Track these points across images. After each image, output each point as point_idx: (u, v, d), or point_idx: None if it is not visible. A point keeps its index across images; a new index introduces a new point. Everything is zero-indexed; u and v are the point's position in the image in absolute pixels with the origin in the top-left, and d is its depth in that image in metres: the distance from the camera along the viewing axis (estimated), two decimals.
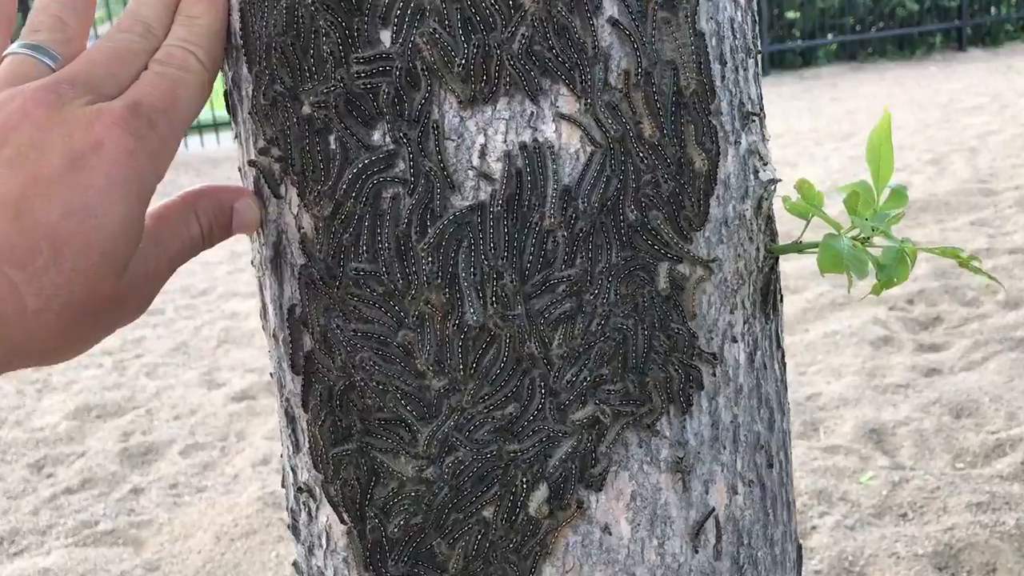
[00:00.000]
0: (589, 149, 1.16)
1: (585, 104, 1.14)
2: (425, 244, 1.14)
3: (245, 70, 1.25)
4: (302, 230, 1.23)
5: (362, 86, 1.13)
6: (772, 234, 1.38)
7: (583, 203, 1.15)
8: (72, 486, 4.67)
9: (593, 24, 1.13)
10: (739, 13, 1.27)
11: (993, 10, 19.63)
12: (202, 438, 5.07)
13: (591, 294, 1.17)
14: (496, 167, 1.14)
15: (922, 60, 17.09)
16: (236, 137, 1.33)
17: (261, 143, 1.23)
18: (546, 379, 1.17)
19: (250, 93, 1.25)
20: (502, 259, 1.14)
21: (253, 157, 1.25)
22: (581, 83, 1.13)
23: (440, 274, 1.15)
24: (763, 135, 1.34)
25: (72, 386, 6.04)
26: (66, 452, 5.04)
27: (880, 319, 5.87)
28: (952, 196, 7.66)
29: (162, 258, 1.16)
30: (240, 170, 1.34)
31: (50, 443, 5.18)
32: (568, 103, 1.14)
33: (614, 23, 1.14)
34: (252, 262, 1.38)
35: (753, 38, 1.32)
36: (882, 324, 5.98)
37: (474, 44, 1.10)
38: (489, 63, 1.12)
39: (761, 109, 1.34)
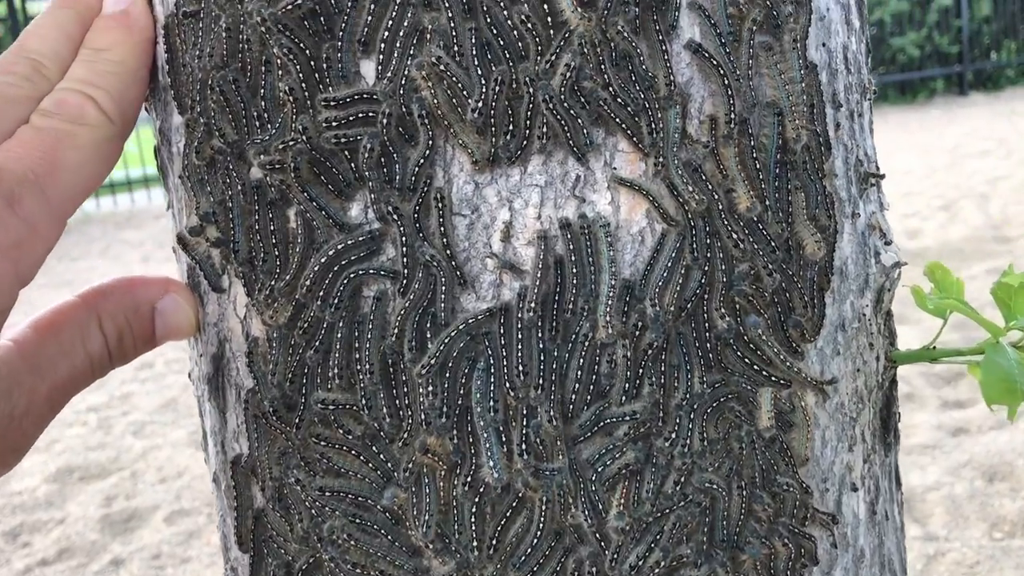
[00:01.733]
0: (660, 228, 0.80)
1: (655, 164, 0.79)
2: (424, 366, 0.78)
3: (175, 118, 0.90)
4: (251, 339, 0.87)
5: (334, 140, 0.77)
6: (891, 335, 1.02)
7: (652, 306, 0.79)
8: (48, 557, 4.26)
9: (666, 51, 0.78)
10: (853, 39, 0.93)
11: (994, 55, 19.55)
12: (188, 503, 4.69)
13: (665, 438, 0.81)
14: (527, 254, 0.79)
15: (924, 104, 17.03)
16: (169, 207, 0.98)
17: (194, 218, 0.87)
18: (599, 563, 0.80)
19: (181, 150, 0.89)
20: (535, 388, 0.78)
21: (184, 236, 0.89)
22: (649, 134, 0.78)
23: (444, 410, 0.79)
24: (881, 202, 0.99)
25: (54, 446, 5.66)
26: (44, 519, 4.64)
27: (900, 374, 5.50)
28: (966, 243, 7.37)
29: (40, 389, 0.80)
30: (174, 251, 0.98)
31: (28, 508, 4.78)
32: (630, 163, 0.79)
33: (695, 50, 0.79)
34: (189, 375, 1.02)
35: (869, 73, 0.97)
36: (903, 379, 5.62)
37: (496, 79, 0.75)
38: (517, 106, 0.77)
39: (878, 167, 0.99)
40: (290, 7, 0.78)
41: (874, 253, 0.96)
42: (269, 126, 0.82)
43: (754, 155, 0.82)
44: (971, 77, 18.76)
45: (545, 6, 0.76)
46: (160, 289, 0.92)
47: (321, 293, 0.81)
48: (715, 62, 0.80)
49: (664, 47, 0.79)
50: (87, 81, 0.85)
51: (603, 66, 0.77)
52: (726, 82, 0.80)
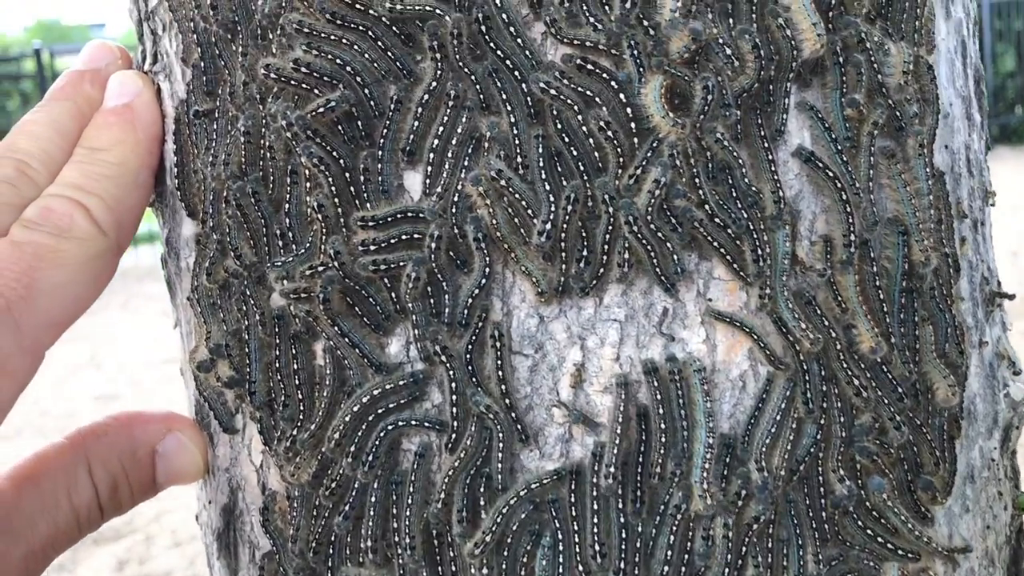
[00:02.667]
0: (765, 372, 0.66)
1: (760, 295, 0.65)
2: (477, 542, 0.64)
3: (186, 228, 0.77)
4: (268, 493, 0.73)
5: (372, 266, 0.64)
6: (1015, 475, 0.86)
7: (758, 469, 0.65)
8: None
9: (772, 160, 0.64)
10: (975, 136, 0.79)
11: (1018, 109, 19.43)
12: (202, 568, 4.48)
13: None
14: (603, 403, 0.65)
15: None
16: (176, 326, 0.85)
17: (203, 350, 0.74)
18: None
19: (190, 266, 0.76)
20: (614, 573, 0.64)
21: (192, 368, 0.76)
22: (754, 260, 0.64)
23: None
24: (1004, 323, 0.84)
25: None
26: None
27: None
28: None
29: (12, 555, 0.66)
30: (181, 373, 0.85)
31: None
32: (728, 293, 0.65)
33: (807, 158, 0.65)
34: (196, 518, 0.87)
35: (988, 172, 0.84)
36: None
37: (567, 196, 0.62)
38: (593, 228, 0.63)
39: (999, 282, 0.85)
40: (322, 109, 0.65)
41: (1002, 385, 0.81)
42: (294, 247, 0.69)
43: (876, 283, 0.68)
44: (996, 131, 18.61)
45: (628, 110, 0.63)
46: (162, 427, 0.78)
47: (352, 448, 0.67)
48: (830, 173, 0.66)
49: (770, 156, 0.65)
50: (79, 186, 0.72)
51: (698, 180, 0.64)
52: (843, 196, 0.66)
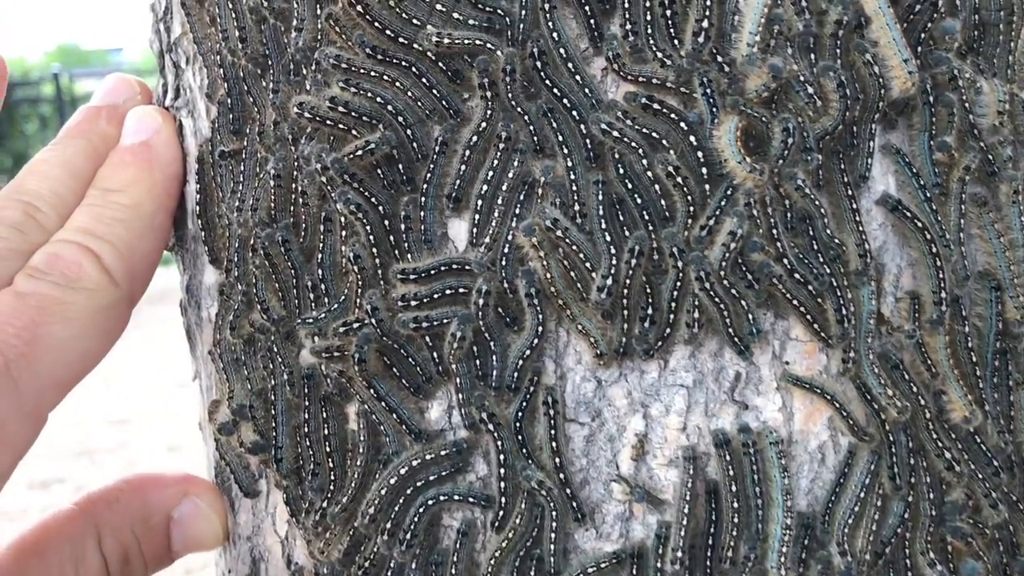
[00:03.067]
0: (846, 443, 0.59)
1: (843, 359, 0.58)
2: None
3: (208, 276, 0.72)
4: (295, 568, 0.67)
5: (412, 324, 0.58)
6: None
7: (840, 551, 0.58)
8: None
9: (856, 209, 0.58)
10: None
11: None
12: None
13: None
14: (667, 478, 0.59)
15: None
16: (195, 378, 0.79)
17: (225, 410, 0.68)
18: None
19: (212, 317, 0.71)
20: None
21: (213, 430, 0.70)
22: (838, 321, 0.58)
23: None
24: None
25: None
26: None
27: None
28: None
29: None
30: (200, 428, 0.79)
31: None
32: (806, 356, 0.59)
33: (893, 207, 0.59)
34: None
35: None
36: None
37: (630, 249, 0.56)
38: (658, 284, 0.57)
39: None
40: (360, 152, 0.59)
41: None
42: (327, 301, 0.63)
43: (968, 344, 0.61)
44: None
45: (700, 154, 0.57)
46: (178, 491, 0.72)
47: (388, 523, 0.61)
48: (919, 223, 0.60)
49: (854, 204, 0.59)
50: (89, 230, 0.67)
51: (776, 231, 0.58)
52: (933, 249, 0.60)
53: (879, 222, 0.61)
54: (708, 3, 0.56)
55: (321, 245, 0.62)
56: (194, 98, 0.71)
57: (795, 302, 0.58)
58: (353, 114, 0.60)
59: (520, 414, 0.59)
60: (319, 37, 0.61)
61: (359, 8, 0.58)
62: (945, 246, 0.61)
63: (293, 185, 0.63)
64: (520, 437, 0.59)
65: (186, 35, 0.69)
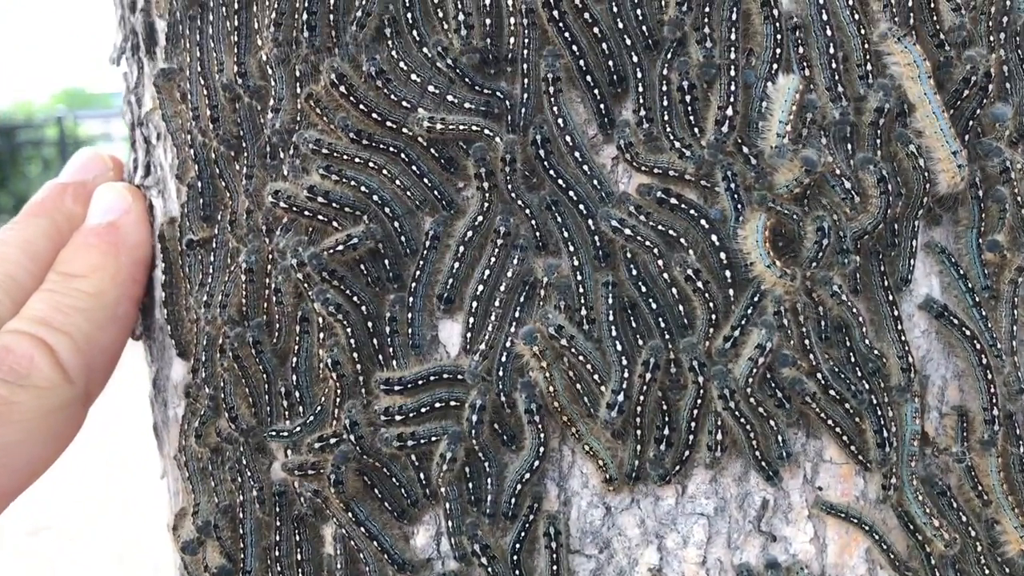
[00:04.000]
0: None
1: (883, 485, 0.52)
2: None
3: (175, 370, 0.65)
4: None
5: (397, 441, 0.51)
6: None
7: None
8: None
9: (898, 316, 0.52)
10: None
11: None
12: None
13: None
14: None
15: None
16: (163, 476, 0.71)
17: (189, 527, 0.61)
18: None
19: (179, 416, 0.64)
20: None
21: (176, 548, 0.63)
22: (878, 443, 0.51)
23: None
24: None
25: None
26: None
27: None
28: None
29: None
30: (168, 530, 0.71)
31: None
32: (842, 479, 0.52)
33: (939, 313, 0.53)
34: None
35: None
36: None
37: (644, 361, 0.49)
38: (676, 400, 0.51)
39: None
40: (341, 247, 0.53)
41: None
42: (302, 411, 0.56)
43: (1023, 467, 0.55)
44: None
45: (723, 255, 0.51)
46: None
47: None
48: (967, 331, 0.53)
49: (895, 311, 0.53)
50: (45, 320, 0.60)
51: (808, 342, 0.51)
52: (983, 360, 0.53)
53: (922, 329, 0.54)
54: (732, 88, 0.50)
55: (296, 348, 0.56)
56: (165, 177, 0.65)
57: (830, 422, 0.52)
58: (334, 205, 0.53)
59: (518, 545, 0.52)
60: (298, 119, 0.55)
61: (342, 88, 0.52)
62: (996, 356, 0.54)
63: (267, 280, 0.57)
64: (518, 572, 0.52)
65: (156, 110, 0.63)
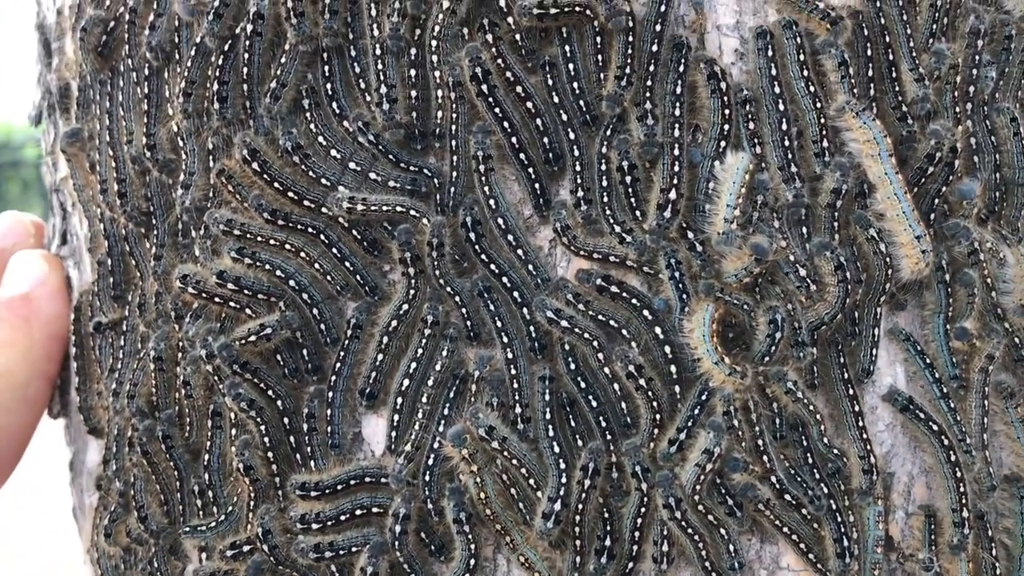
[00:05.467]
0: None
1: None
2: None
3: (91, 456, 0.60)
4: None
5: (313, 552, 0.47)
6: None
7: None
8: None
9: (858, 410, 0.48)
10: None
11: None
12: None
13: None
14: None
15: None
16: (85, 563, 0.66)
17: None
18: None
19: (93, 504, 0.59)
20: None
21: None
22: (838, 552, 0.47)
23: None
24: None
25: None
26: None
27: None
28: None
29: None
30: None
31: None
32: None
33: (903, 406, 0.49)
34: None
35: None
36: None
37: (584, 465, 0.46)
38: (618, 508, 0.47)
39: None
40: (253, 337, 0.49)
41: None
42: (215, 511, 0.51)
43: (996, 572, 0.50)
44: None
45: (667, 348, 0.46)
46: None
47: None
48: (934, 425, 0.49)
49: (856, 405, 0.49)
50: None
51: (762, 442, 0.47)
52: (951, 456, 0.49)
53: (886, 422, 0.50)
54: (676, 169, 0.46)
55: (209, 444, 0.51)
56: (80, 248, 0.60)
57: (786, 529, 0.47)
58: (246, 292, 0.49)
59: None
60: (210, 195, 0.51)
61: (255, 165, 0.48)
62: (966, 451, 0.50)
63: (177, 369, 0.52)
64: None
65: (68, 179, 0.59)
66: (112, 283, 0.55)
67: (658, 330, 0.46)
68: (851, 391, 0.49)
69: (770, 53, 0.47)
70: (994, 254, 0.52)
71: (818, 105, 0.48)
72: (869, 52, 0.49)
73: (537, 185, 0.48)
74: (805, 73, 0.48)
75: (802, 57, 0.47)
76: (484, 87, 0.46)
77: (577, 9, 0.46)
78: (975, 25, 0.51)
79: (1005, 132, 0.52)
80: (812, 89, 0.48)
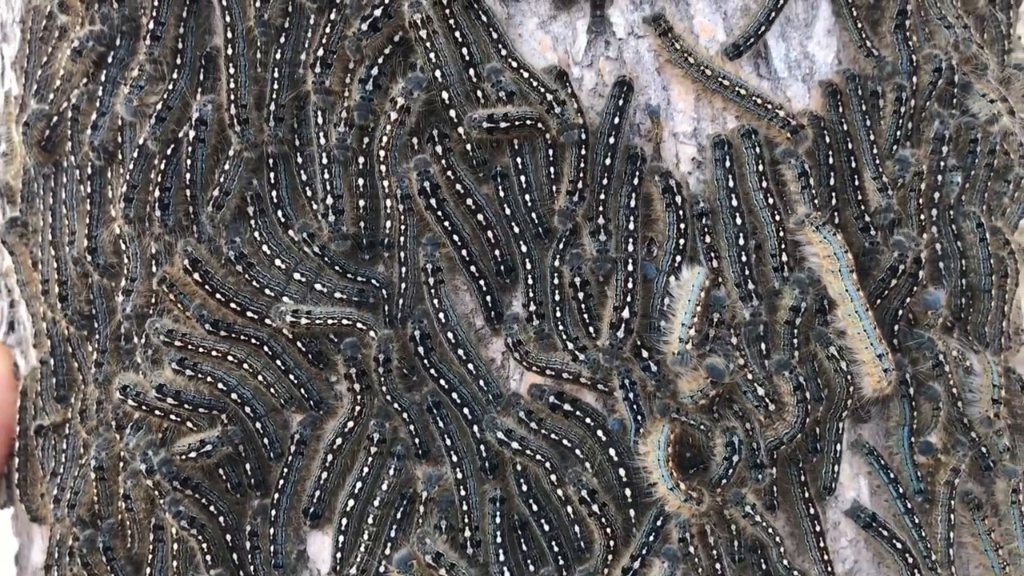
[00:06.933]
0: None
1: None
2: None
3: (36, 553, 0.58)
4: None
5: None
6: None
7: None
8: None
9: (819, 530, 0.47)
10: None
11: None
12: None
13: None
14: None
15: None
16: None
17: None
18: None
19: None
20: None
21: None
22: None
23: None
24: None
25: None
26: None
27: None
28: None
29: None
30: None
31: None
32: None
33: (866, 523, 0.48)
34: None
35: None
36: None
37: None
38: None
39: None
40: (194, 454, 0.47)
41: None
42: None
43: None
44: None
45: (622, 471, 0.45)
46: None
47: None
48: (897, 544, 0.48)
49: (816, 525, 0.47)
50: None
51: (720, 566, 0.45)
52: (916, 574, 0.48)
53: (849, 538, 0.49)
54: (630, 285, 0.45)
55: (151, 556, 0.49)
56: (27, 337, 0.58)
57: None
58: (186, 406, 0.47)
59: None
60: (152, 302, 0.49)
61: (197, 276, 0.47)
62: (931, 568, 0.49)
63: (119, 478, 0.50)
64: None
65: (11, 273, 0.57)
66: (55, 383, 0.53)
67: (612, 452, 0.45)
68: (812, 510, 0.47)
69: (728, 164, 0.46)
70: (960, 363, 0.50)
71: (777, 218, 0.46)
72: (831, 159, 0.48)
73: (489, 297, 0.46)
74: (764, 184, 0.46)
75: (761, 167, 0.46)
76: (433, 201, 0.45)
77: (528, 122, 0.45)
78: (940, 131, 0.49)
79: (971, 237, 0.51)
80: (771, 201, 0.46)
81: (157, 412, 0.48)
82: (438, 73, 0.45)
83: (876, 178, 0.48)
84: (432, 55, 0.45)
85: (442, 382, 0.46)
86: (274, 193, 0.47)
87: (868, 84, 0.49)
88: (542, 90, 0.45)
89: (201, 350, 0.48)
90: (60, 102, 0.52)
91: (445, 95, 0.45)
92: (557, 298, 0.45)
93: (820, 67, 0.49)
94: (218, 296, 0.47)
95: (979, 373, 0.51)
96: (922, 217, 0.49)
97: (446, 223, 0.45)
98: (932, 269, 0.50)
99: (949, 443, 0.50)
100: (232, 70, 0.47)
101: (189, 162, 0.47)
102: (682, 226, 0.45)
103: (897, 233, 0.48)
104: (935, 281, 0.50)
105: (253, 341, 0.47)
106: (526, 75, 0.45)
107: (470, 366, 0.46)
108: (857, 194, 0.48)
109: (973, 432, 0.50)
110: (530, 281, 0.46)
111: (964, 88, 0.51)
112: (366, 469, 0.47)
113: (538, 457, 0.45)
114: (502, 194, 0.46)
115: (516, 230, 0.46)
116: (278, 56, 0.46)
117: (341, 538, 0.47)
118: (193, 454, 0.47)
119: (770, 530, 0.46)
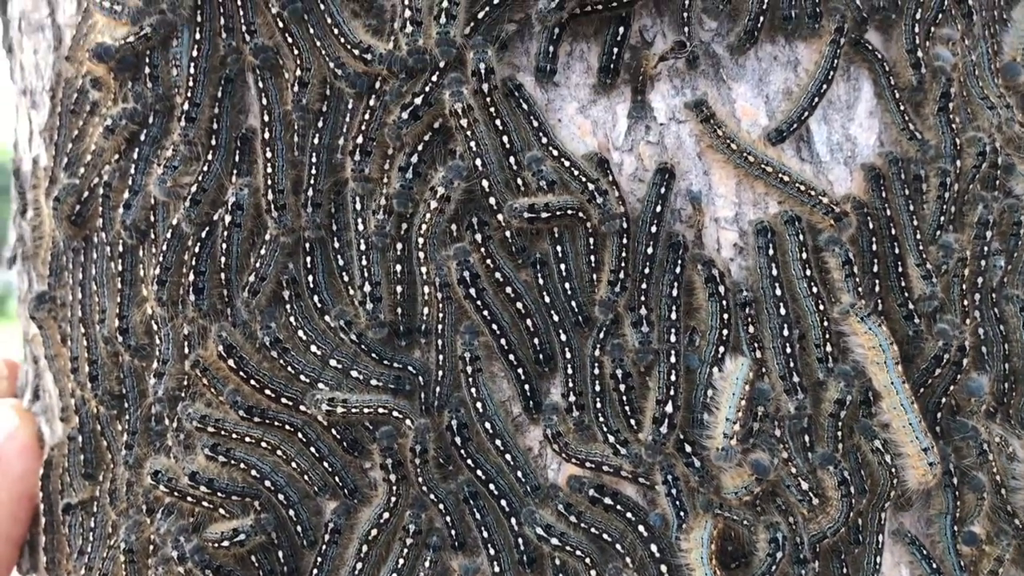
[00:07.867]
0: None
1: None
2: None
3: None
4: None
5: None
6: None
7: None
8: None
9: None
10: None
11: None
12: None
13: None
14: None
15: None
16: None
17: None
18: None
19: None
20: None
21: None
22: None
23: None
24: None
25: None
26: None
27: None
28: None
29: None
30: None
31: None
32: None
33: None
34: None
35: None
36: None
37: None
38: None
39: None
40: (227, 542, 0.46)
41: None
42: None
43: None
44: None
45: (664, 568, 0.44)
46: None
47: None
48: None
49: None
50: None
51: None
52: None
53: None
54: (672, 378, 0.44)
55: None
56: (53, 406, 0.58)
57: None
58: (219, 493, 0.47)
59: None
60: (185, 384, 0.48)
61: (231, 362, 0.46)
62: None
63: (149, 561, 0.49)
64: None
65: (35, 340, 0.56)
66: (83, 460, 0.53)
67: (654, 547, 0.44)
68: None
69: (771, 251, 0.45)
70: (1002, 449, 0.49)
71: (821, 307, 0.46)
72: (874, 245, 0.47)
73: (527, 386, 0.45)
74: (808, 272, 0.46)
75: (805, 255, 0.46)
76: (472, 290, 0.44)
77: (569, 212, 0.44)
78: (984, 216, 0.49)
79: (1014, 321, 0.50)
80: (815, 290, 0.46)
81: (189, 499, 0.47)
82: (478, 161, 0.44)
83: (920, 264, 0.47)
84: (473, 144, 0.44)
85: (479, 472, 0.45)
86: (310, 278, 0.47)
87: (911, 167, 0.48)
88: (583, 179, 0.44)
89: (234, 436, 0.47)
90: (91, 177, 0.52)
91: (485, 183, 0.45)
92: (598, 389, 0.45)
93: (862, 150, 0.48)
94: (253, 382, 0.46)
95: (1022, 460, 0.50)
96: (965, 302, 0.49)
97: (485, 312, 0.45)
98: (975, 355, 0.49)
99: (993, 532, 0.49)
100: (269, 154, 0.46)
101: (225, 246, 0.47)
102: (725, 316, 0.45)
103: (941, 321, 0.47)
104: (978, 367, 0.49)
105: (287, 427, 0.47)
106: (567, 164, 0.44)
107: (508, 456, 0.45)
108: (901, 281, 0.47)
109: (1017, 520, 0.50)
110: (569, 371, 0.45)
111: (1007, 170, 0.50)
112: (401, 561, 0.46)
113: (578, 553, 0.44)
114: (541, 282, 0.45)
115: (555, 318, 0.45)
116: (316, 141, 0.46)
117: None
118: (226, 542, 0.46)
119: None
